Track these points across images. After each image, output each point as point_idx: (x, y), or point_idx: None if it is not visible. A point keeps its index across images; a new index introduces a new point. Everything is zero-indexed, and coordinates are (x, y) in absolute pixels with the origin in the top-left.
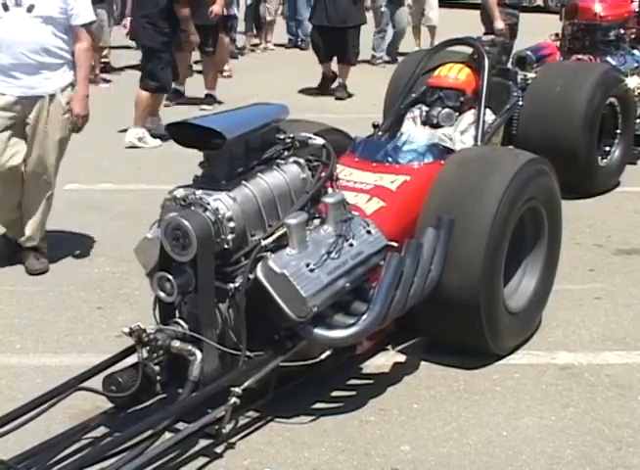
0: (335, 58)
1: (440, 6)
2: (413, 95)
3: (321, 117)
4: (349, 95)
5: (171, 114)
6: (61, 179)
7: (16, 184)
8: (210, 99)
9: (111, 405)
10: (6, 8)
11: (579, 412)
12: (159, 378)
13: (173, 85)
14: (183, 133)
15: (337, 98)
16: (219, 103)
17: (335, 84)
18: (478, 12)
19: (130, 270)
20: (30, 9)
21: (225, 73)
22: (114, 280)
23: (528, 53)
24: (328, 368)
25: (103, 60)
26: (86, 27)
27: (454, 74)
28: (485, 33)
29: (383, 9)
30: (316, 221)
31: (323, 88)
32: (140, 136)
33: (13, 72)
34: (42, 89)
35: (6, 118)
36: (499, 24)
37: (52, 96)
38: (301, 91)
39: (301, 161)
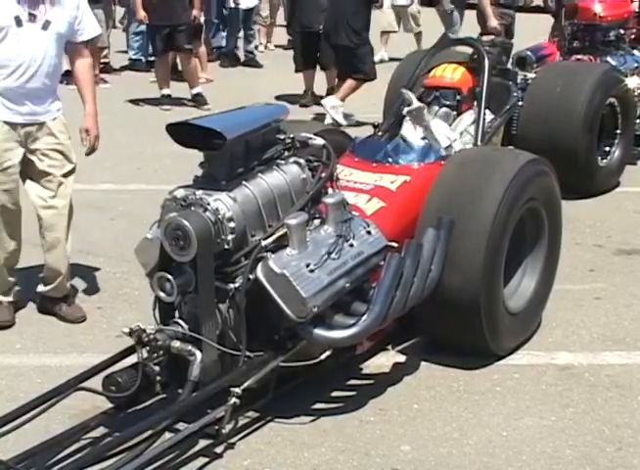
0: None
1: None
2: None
3: (321, 118)
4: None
5: (172, 114)
6: None
7: (14, 218)
8: (201, 98)
9: (110, 405)
10: (19, 23)
11: (579, 413)
12: (158, 378)
13: (166, 91)
14: (183, 133)
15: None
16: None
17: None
18: (475, 12)
19: (130, 270)
20: (46, 26)
21: (201, 80)
22: (115, 280)
23: (528, 53)
24: (328, 368)
25: (103, 60)
26: (87, 42)
27: (449, 74)
28: (481, 34)
29: (455, 12)
30: (316, 222)
31: (305, 100)
32: (336, 106)
33: (21, 98)
34: (48, 115)
35: (10, 150)
36: (492, 23)
37: (53, 120)
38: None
39: (302, 161)
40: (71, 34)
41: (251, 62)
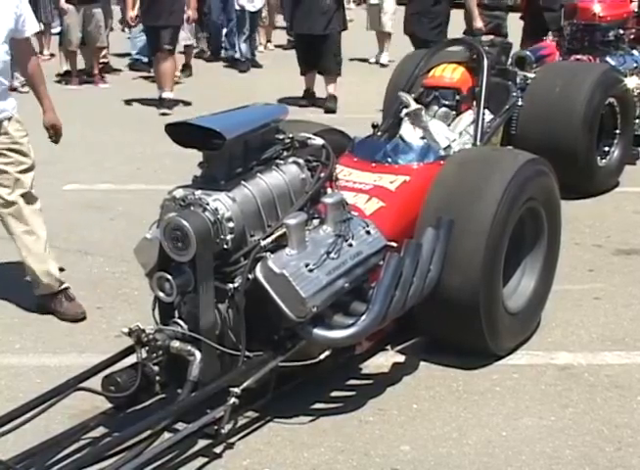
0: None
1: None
2: (412, 95)
3: (320, 118)
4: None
5: (171, 115)
6: (60, 179)
7: None
8: (170, 102)
9: (110, 405)
10: None
11: (579, 413)
12: (158, 378)
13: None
14: (182, 133)
15: (326, 111)
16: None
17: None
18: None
19: (130, 270)
20: None
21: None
22: (114, 280)
23: (528, 53)
24: (327, 368)
25: (102, 60)
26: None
27: (449, 74)
28: (465, 32)
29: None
30: (315, 222)
31: (307, 101)
32: None
33: None
34: (4, 114)
35: None
36: (478, 24)
37: (9, 120)
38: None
39: (301, 161)
40: (15, 30)
41: (252, 62)
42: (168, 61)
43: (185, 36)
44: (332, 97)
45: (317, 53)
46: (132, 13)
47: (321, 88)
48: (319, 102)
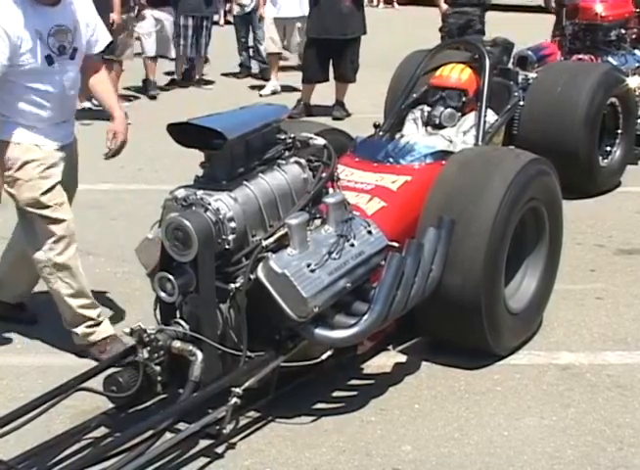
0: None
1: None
2: (414, 95)
3: (322, 118)
4: (348, 114)
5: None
6: None
7: None
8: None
9: (111, 406)
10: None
11: (580, 412)
12: (159, 378)
13: (86, 104)
14: (184, 133)
15: (334, 118)
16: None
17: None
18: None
19: (131, 270)
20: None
21: None
22: (115, 280)
23: (530, 53)
24: (329, 368)
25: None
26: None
27: (456, 75)
28: (439, 29)
29: None
30: (317, 222)
31: (297, 111)
32: None
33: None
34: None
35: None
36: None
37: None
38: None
39: (302, 161)
40: None
41: (266, 74)
42: (119, 65)
43: None
44: (341, 105)
45: (334, 59)
46: None
47: (321, 97)
48: (314, 110)
